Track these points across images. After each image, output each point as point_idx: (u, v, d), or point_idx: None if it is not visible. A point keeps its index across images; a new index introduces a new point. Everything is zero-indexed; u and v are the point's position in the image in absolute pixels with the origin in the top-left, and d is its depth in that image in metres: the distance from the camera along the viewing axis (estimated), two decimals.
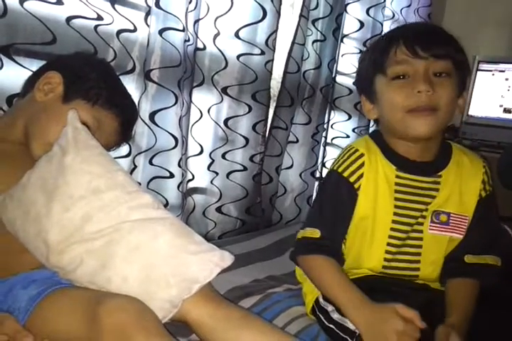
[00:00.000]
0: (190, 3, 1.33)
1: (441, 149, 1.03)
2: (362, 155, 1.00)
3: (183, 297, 0.83)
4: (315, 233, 0.99)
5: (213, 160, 1.58)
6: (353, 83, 1.09)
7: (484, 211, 1.03)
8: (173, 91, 1.34)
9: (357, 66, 1.10)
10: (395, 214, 1.00)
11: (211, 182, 1.59)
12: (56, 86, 0.97)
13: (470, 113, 2.28)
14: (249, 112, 1.60)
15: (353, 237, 1.02)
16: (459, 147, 1.07)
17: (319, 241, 0.98)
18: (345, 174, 0.99)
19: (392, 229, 1.00)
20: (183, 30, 1.32)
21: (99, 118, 0.99)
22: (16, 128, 0.98)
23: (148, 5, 1.26)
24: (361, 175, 0.99)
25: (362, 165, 0.99)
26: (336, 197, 1.00)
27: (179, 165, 1.41)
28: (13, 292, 0.84)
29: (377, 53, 0.99)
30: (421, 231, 1.00)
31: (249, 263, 1.28)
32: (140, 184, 1.26)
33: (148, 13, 1.27)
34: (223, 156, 1.59)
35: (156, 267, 0.83)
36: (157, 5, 1.26)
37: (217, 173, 1.59)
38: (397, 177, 1.00)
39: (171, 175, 1.41)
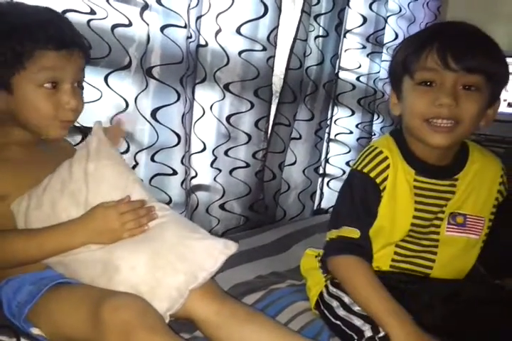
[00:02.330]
0: None
1: (458, 151, 1.02)
2: (386, 157, 0.99)
3: (189, 285, 0.85)
4: (354, 233, 0.97)
5: (216, 157, 1.58)
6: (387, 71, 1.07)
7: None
8: (175, 89, 1.34)
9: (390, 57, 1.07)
10: (415, 217, 1.00)
11: (214, 179, 1.59)
12: None
13: None
14: (251, 109, 1.60)
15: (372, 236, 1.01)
16: (476, 147, 1.06)
17: (358, 242, 0.97)
18: (372, 175, 0.98)
19: (410, 231, 1.00)
20: (185, 27, 1.32)
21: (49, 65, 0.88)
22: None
23: (145, 1, 1.25)
24: (386, 177, 0.98)
25: (387, 167, 0.98)
26: (366, 198, 0.99)
27: (182, 163, 1.41)
28: (22, 289, 0.85)
29: (408, 53, 0.95)
30: (437, 233, 1.01)
31: (253, 259, 1.28)
32: (142, 180, 1.26)
33: (144, 9, 1.26)
34: (226, 153, 1.59)
35: (163, 255, 0.86)
36: (158, 1, 1.26)
37: (220, 170, 1.59)
38: (416, 180, 1.00)
39: (174, 172, 1.41)
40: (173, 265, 0.85)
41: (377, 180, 0.98)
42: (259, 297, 1.08)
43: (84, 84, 0.96)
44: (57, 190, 0.89)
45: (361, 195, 1.00)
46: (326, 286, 1.03)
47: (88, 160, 0.91)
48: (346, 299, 0.97)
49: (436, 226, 1.01)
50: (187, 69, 1.36)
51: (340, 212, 1.04)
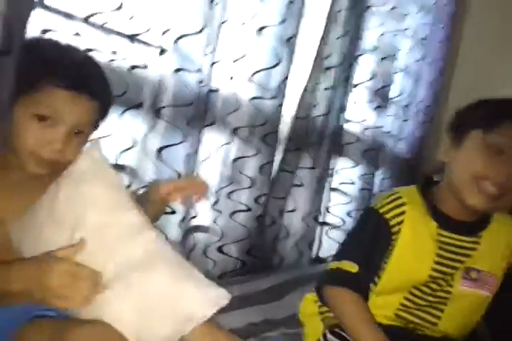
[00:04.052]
0: (207, 46, 1.38)
1: None
2: (404, 203, 1.01)
3: (177, 337, 0.82)
4: (353, 267, 0.98)
5: (218, 199, 1.58)
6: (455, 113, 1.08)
7: None
8: (182, 130, 1.37)
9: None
10: (433, 269, 1.00)
11: (214, 221, 1.59)
12: None
13: None
14: (257, 154, 1.62)
15: (386, 281, 1.01)
16: None
17: (355, 276, 0.98)
18: (387, 216, 1.01)
19: (427, 282, 1.00)
20: (197, 72, 1.36)
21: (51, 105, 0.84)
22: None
23: (162, 45, 1.30)
24: (401, 222, 1.00)
25: (403, 212, 1.00)
26: (376, 236, 1.01)
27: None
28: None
29: (488, 115, 0.97)
30: (451, 286, 1.01)
31: (246, 305, 1.26)
32: None
33: (162, 52, 1.31)
34: (228, 196, 1.60)
35: (151, 307, 0.81)
36: (173, 46, 1.31)
37: (220, 212, 1.60)
38: (439, 234, 1.01)
39: (173, 211, 1.42)
40: (161, 319, 0.81)
41: (391, 223, 1.00)
42: None
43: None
44: (44, 215, 0.85)
45: (372, 232, 1.02)
46: (324, 335, 1.01)
47: (77, 181, 0.85)
48: None
49: (451, 280, 1.01)
50: (196, 111, 1.39)
51: (346, 245, 1.07)
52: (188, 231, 1.52)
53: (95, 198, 0.85)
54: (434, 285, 1.01)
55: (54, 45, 0.89)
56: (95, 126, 0.92)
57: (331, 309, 1.01)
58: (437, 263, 1.00)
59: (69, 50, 0.89)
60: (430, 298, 1.01)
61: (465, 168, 0.98)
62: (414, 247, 1.00)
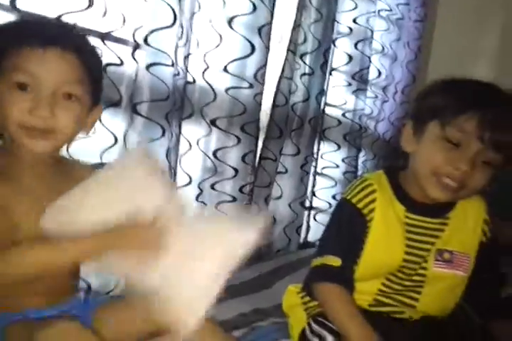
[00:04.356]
0: (180, 38, 1.37)
1: None
2: (374, 190, 1.02)
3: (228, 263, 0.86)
4: (336, 261, 1.00)
5: (202, 191, 1.59)
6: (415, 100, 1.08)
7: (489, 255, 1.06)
8: (160, 124, 1.36)
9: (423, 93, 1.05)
10: (406, 253, 1.02)
11: None
12: None
13: None
14: (238, 143, 1.62)
15: (362, 268, 1.03)
16: None
17: (339, 270, 0.99)
18: (359, 205, 1.02)
19: (401, 267, 1.02)
20: (172, 65, 1.35)
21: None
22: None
23: (136, 41, 1.29)
24: (373, 209, 1.01)
25: (374, 200, 1.01)
26: (351, 227, 1.02)
27: None
28: None
29: (447, 105, 0.95)
30: (425, 269, 1.03)
31: (236, 296, 1.27)
32: None
33: (135, 48, 1.29)
34: (212, 187, 1.61)
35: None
36: (145, 41, 1.29)
37: (205, 204, 1.60)
38: (407, 217, 1.02)
39: None
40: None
41: (364, 211, 1.01)
42: (240, 335, 1.07)
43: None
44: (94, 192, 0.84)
45: (347, 224, 1.03)
46: (309, 324, 1.03)
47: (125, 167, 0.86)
48: (329, 338, 0.98)
49: (424, 262, 1.02)
50: (173, 105, 1.39)
51: (326, 240, 1.08)
52: None
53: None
54: (408, 270, 1.02)
55: (28, 17, 0.87)
56: (92, 94, 0.86)
57: (320, 305, 1.03)
58: (408, 246, 1.02)
59: (41, 17, 0.87)
60: (407, 283, 1.03)
61: (425, 162, 0.98)
62: (385, 233, 1.02)
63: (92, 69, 0.85)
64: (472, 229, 1.05)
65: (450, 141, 0.94)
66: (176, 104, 1.40)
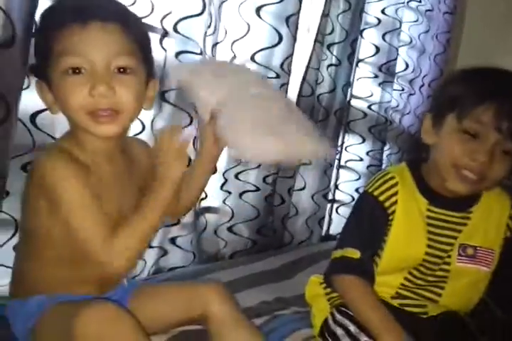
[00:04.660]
0: (209, 27, 1.37)
1: None
2: (396, 183, 1.01)
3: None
4: (355, 253, 1.00)
5: (226, 180, 1.59)
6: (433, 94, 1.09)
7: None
8: (188, 113, 1.37)
9: (443, 84, 1.06)
10: (429, 246, 1.01)
11: (224, 201, 1.61)
12: None
13: None
14: None
15: (385, 261, 1.03)
16: None
17: (358, 262, 0.99)
18: (381, 198, 1.01)
19: (424, 261, 1.01)
20: (200, 54, 1.36)
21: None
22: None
23: (164, 28, 1.29)
24: (395, 202, 1.01)
25: (396, 193, 1.01)
26: (373, 220, 1.02)
27: None
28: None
29: (464, 96, 0.94)
30: (449, 264, 1.02)
31: (258, 284, 1.28)
32: None
33: (163, 36, 1.30)
34: (236, 176, 1.61)
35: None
36: (175, 29, 1.30)
37: (230, 193, 1.61)
38: (429, 210, 1.01)
39: None
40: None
41: (386, 204, 1.01)
42: (262, 322, 1.08)
43: None
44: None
45: (368, 217, 1.03)
46: (332, 314, 1.03)
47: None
48: (352, 328, 0.97)
49: (448, 257, 1.02)
50: None
51: (346, 232, 1.08)
52: (199, 212, 1.54)
53: None
54: (430, 265, 1.01)
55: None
56: (145, 66, 0.83)
57: (341, 296, 1.03)
58: (430, 239, 1.01)
59: None
60: (429, 278, 1.02)
61: (444, 155, 0.97)
62: (407, 226, 1.01)
63: (139, 38, 0.82)
64: (496, 224, 1.04)
65: (468, 132, 0.93)
66: None
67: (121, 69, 0.79)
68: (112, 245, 0.78)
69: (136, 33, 0.81)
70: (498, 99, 0.91)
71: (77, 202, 0.78)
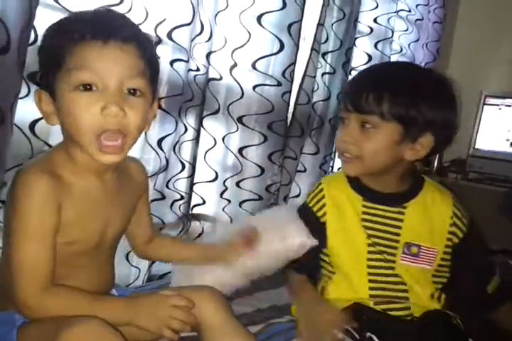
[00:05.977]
0: (198, 35, 1.36)
1: (411, 182, 1.08)
2: (322, 189, 1.11)
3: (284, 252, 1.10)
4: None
5: (226, 188, 1.59)
6: None
7: (470, 249, 1.07)
8: (183, 120, 1.37)
9: None
10: (369, 244, 1.04)
11: (223, 209, 1.60)
12: None
13: (476, 146, 2.30)
14: (264, 142, 1.62)
15: (337, 266, 1.08)
16: (432, 182, 1.11)
17: (300, 263, 1.14)
18: (314, 208, 1.11)
19: (368, 260, 1.04)
20: (195, 61, 1.36)
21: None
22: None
23: (158, 36, 1.28)
24: (323, 206, 1.09)
25: (322, 197, 1.10)
26: (312, 228, 1.10)
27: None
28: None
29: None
30: (394, 262, 1.04)
31: (253, 292, 1.27)
32: None
33: (157, 43, 1.28)
34: (237, 184, 1.61)
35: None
36: (169, 36, 1.29)
37: (229, 201, 1.60)
38: (364, 206, 1.06)
39: (182, 197, 1.45)
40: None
41: (314, 209, 1.11)
42: (257, 330, 1.07)
43: None
44: None
45: (307, 225, 1.12)
46: None
47: None
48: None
49: (392, 255, 1.04)
50: (190, 100, 1.38)
51: None
52: (191, 216, 1.53)
53: None
54: (381, 263, 1.04)
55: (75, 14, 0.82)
56: (152, 88, 0.82)
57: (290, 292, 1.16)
58: (371, 235, 1.05)
59: (87, 11, 0.79)
60: (391, 279, 1.04)
61: None
62: (342, 224, 1.06)
63: (151, 61, 0.81)
64: (439, 222, 1.06)
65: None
66: (194, 100, 1.40)
67: (132, 91, 0.77)
68: (41, 298, 0.75)
69: (148, 55, 0.80)
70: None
71: (32, 230, 0.75)
